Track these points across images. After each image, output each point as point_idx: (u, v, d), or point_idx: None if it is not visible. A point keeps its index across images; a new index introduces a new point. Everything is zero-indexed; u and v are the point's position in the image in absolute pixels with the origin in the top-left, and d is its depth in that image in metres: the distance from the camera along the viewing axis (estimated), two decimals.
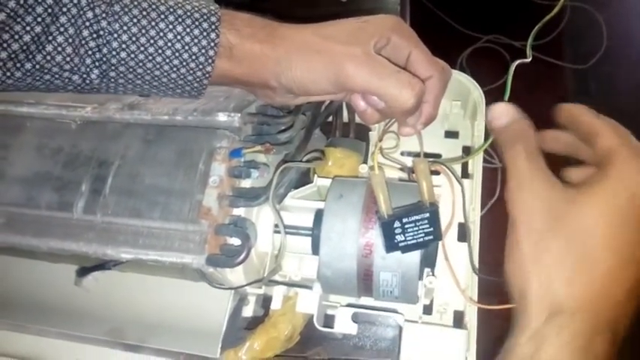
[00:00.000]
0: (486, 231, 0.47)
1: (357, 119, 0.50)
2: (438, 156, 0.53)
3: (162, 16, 0.35)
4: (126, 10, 0.35)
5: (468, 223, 0.45)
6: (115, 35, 0.35)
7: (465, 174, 0.51)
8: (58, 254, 0.41)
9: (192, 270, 0.40)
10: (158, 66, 0.36)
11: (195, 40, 0.36)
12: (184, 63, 0.36)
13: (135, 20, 0.35)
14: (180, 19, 0.36)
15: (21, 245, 0.42)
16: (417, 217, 0.37)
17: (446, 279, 0.44)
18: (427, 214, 0.38)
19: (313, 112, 0.46)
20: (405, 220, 0.37)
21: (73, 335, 0.46)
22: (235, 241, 0.40)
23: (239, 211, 0.41)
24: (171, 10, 0.36)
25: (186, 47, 0.36)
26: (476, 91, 0.50)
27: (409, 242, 0.38)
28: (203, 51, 0.36)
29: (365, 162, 0.50)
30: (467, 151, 0.53)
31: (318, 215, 0.42)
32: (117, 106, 0.44)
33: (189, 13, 0.36)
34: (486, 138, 0.41)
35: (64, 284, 0.48)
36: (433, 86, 0.38)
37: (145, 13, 0.35)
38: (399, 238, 0.38)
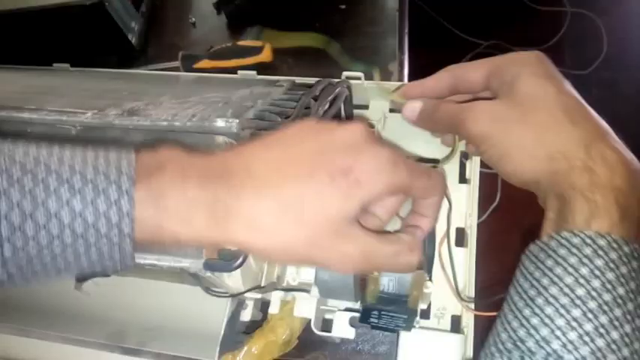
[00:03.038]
0: (486, 235, 0.47)
1: None
2: (436, 161, 0.53)
3: (54, 195, 0.26)
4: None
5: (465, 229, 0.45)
6: None
7: (463, 179, 0.51)
8: None
9: (190, 274, 0.40)
10: (59, 258, 0.27)
11: (102, 218, 0.27)
12: (94, 247, 0.27)
13: (16, 208, 0.26)
14: (79, 194, 0.27)
15: None
16: (394, 314, 0.40)
17: (443, 284, 0.45)
18: (406, 316, 0.40)
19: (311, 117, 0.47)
20: (383, 312, 0.39)
21: (73, 339, 0.46)
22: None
23: None
24: (66, 184, 0.27)
25: (91, 229, 0.27)
26: None
27: (380, 325, 0.40)
28: (115, 229, 0.27)
29: None
30: (464, 156, 0.53)
31: None
32: (116, 112, 0.45)
33: (90, 184, 0.27)
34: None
35: (64, 288, 0.48)
36: (434, 203, 0.35)
37: (29, 196, 0.26)
38: (373, 320, 0.40)
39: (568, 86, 0.36)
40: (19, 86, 0.55)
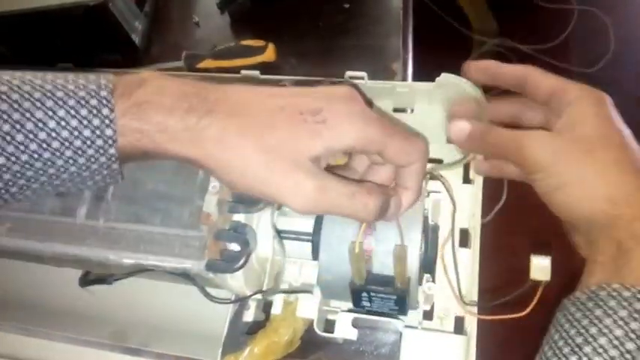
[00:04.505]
0: (492, 236, 0.47)
1: None
2: (440, 161, 0.53)
3: (39, 104, 0.29)
4: None
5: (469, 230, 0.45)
6: None
7: (467, 179, 0.51)
8: (62, 259, 0.42)
9: (192, 277, 0.40)
10: (50, 163, 0.29)
11: (85, 122, 0.29)
12: (80, 152, 0.29)
13: (5, 116, 0.28)
14: (61, 102, 0.29)
15: (26, 249, 0.42)
16: (383, 295, 0.39)
17: (446, 285, 0.44)
18: (395, 296, 0.39)
19: None
20: (372, 292, 0.39)
21: (75, 338, 0.47)
22: (235, 247, 0.40)
23: (239, 217, 0.42)
24: (49, 94, 0.29)
25: (75, 133, 0.29)
26: (478, 96, 0.50)
27: (373, 309, 0.40)
28: (98, 132, 0.29)
29: None
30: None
31: (318, 221, 0.42)
32: None
33: (71, 94, 0.29)
34: None
35: (68, 288, 0.48)
36: (415, 172, 0.35)
37: (16, 105, 0.28)
38: (365, 303, 0.40)
39: (629, 134, 0.36)
40: None
